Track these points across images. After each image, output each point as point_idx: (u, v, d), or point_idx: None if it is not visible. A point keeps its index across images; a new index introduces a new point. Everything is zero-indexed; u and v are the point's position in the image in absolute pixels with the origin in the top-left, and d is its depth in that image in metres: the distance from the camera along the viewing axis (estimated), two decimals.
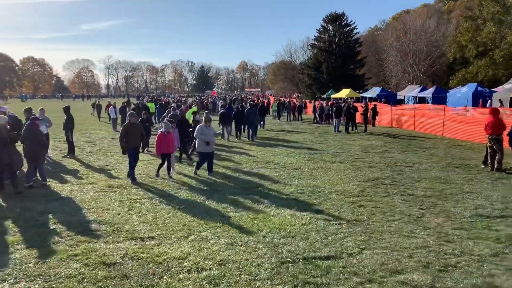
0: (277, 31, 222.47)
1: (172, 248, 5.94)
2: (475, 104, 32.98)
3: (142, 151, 11.43)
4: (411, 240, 6.27)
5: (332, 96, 59.78)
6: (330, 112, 30.93)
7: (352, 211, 7.86)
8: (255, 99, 61.84)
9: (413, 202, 8.49)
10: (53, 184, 10.13)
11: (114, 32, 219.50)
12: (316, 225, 6.97)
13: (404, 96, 49.70)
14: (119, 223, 7.10)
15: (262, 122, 25.69)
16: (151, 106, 28.62)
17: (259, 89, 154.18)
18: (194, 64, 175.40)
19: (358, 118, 25.32)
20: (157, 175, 11.03)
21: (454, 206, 8.20)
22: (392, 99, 48.16)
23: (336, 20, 70.72)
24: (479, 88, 37.16)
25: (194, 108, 18.56)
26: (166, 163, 11.06)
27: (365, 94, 55.90)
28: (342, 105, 24.88)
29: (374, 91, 55.32)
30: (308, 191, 9.47)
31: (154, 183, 10.20)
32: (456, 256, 5.68)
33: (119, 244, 6.10)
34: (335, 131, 23.45)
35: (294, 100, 45.30)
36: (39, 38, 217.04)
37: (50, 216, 7.54)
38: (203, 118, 11.40)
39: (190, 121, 17.96)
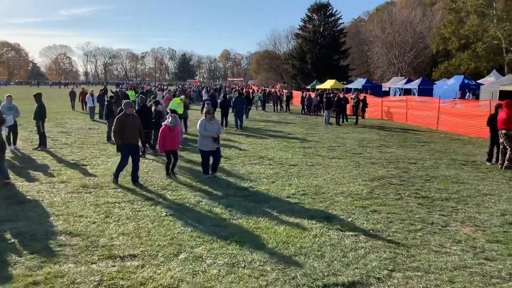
0: (261, 20, 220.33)
1: (159, 271, 4.79)
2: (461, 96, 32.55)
3: (143, 155, 9.71)
4: (445, 258, 5.29)
5: (317, 86, 59.01)
6: (320, 104, 30.08)
7: (366, 218, 6.85)
8: (238, 88, 60.60)
9: (431, 207, 7.54)
10: (18, 183, 8.79)
11: (93, 18, 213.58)
12: (329, 238, 5.93)
13: (390, 88, 49.20)
14: (93, 235, 5.89)
15: (247, 112, 25.14)
16: (131, 94, 27.06)
17: (242, 79, 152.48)
18: (175, 52, 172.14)
19: (348, 110, 24.43)
20: (168, 175, 9.55)
21: (477, 211, 7.28)
22: (377, 91, 47.65)
23: (321, 9, 69.68)
24: (466, 81, 36.76)
25: (179, 98, 17.24)
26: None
27: (350, 85, 55.15)
28: (331, 96, 23.89)
29: (359, 82, 54.68)
30: (311, 192, 8.42)
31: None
32: (505, 280, 4.73)
33: (93, 265, 4.92)
34: (325, 123, 22.49)
35: (282, 90, 44.10)
36: (15, 23, 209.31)
37: (10, 225, 6.28)
38: (204, 111, 9.63)
39: (178, 111, 16.77)
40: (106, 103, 15.68)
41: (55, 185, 8.65)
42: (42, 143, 13.17)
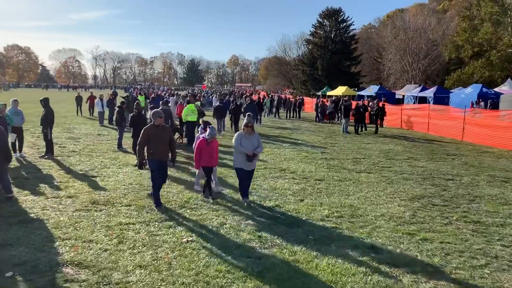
0: (269, 26, 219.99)
1: None
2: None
3: (173, 165, 8.54)
4: None
5: (328, 93, 58.17)
6: (335, 111, 29.17)
7: (417, 249, 5.92)
8: (248, 93, 59.81)
9: (487, 235, 6.59)
10: (22, 197, 7.97)
11: (103, 22, 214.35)
12: (383, 277, 5.00)
13: (403, 96, 48.20)
14: (105, 267, 5.03)
15: (259, 118, 25.57)
16: (141, 99, 26.33)
17: (250, 84, 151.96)
18: (184, 57, 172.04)
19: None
20: (206, 196, 8.32)
21: None
22: (390, 98, 46.76)
23: (333, 15, 68.94)
24: (484, 89, 35.69)
25: (193, 105, 16.40)
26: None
27: (362, 92, 54.21)
28: (348, 103, 22.94)
29: (371, 89, 53.70)
30: (347, 214, 7.50)
31: (148, 197, 8.12)
32: None
33: None
34: (343, 132, 21.55)
35: (294, 97, 43.11)
36: (25, 26, 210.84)
37: (10, 251, 5.44)
38: (244, 123, 8.02)
39: (188, 119, 15.94)
40: (117, 108, 14.89)
41: (62, 201, 7.82)
42: (49, 151, 12.38)
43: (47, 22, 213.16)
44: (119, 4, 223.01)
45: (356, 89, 60.14)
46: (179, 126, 17.32)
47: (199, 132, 9.30)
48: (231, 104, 21.54)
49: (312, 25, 70.66)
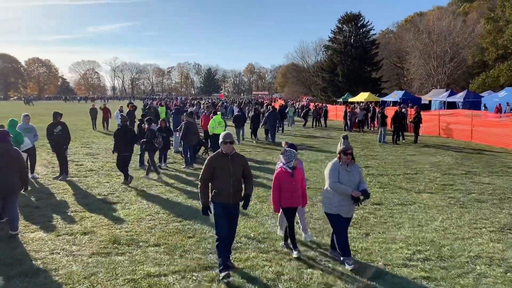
0: (285, 33, 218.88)
1: None
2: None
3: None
4: None
5: (349, 99, 56.50)
6: (365, 119, 27.48)
7: None
8: (266, 102, 58.45)
9: None
10: (27, 234, 6.62)
11: (120, 34, 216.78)
12: None
13: (430, 101, 46.16)
14: None
15: (282, 127, 25.24)
16: (162, 110, 25.13)
17: (267, 92, 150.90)
18: (201, 66, 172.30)
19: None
20: (287, 245, 6.15)
21: None
22: (416, 104, 44.85)
23: (352, 20, 67.34)
24: None
25: (219, 115, 15.00)
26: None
27: (386, 98, 52.32)
28: (383, 111, 21.21)
29: (396, 95, 51.73)
30: (432, 254, 5.89)
31: (179, 232, 6.66)
32: None
33: None
34: (380, 142, 19.84)
35: (318, 104, 41.44)
36: (45, 40, 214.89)
37: None
38: (339, 148, 5.77)
39: (215, 131, 14.55)
40: (137, 121, 13.60)
41: (76, 239, 6.42)
42: (64, 171, 11.09)
43: (67, 35, 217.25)
44: (136, 17, 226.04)
45: (377, 94, 58.25)
46: (204, 139, 15.95)
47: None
48: (250, 112, 21.27)
49: (331, 30, 69.11)
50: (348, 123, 26.94)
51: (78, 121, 30.81)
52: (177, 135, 15.31)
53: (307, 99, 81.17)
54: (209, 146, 15.45)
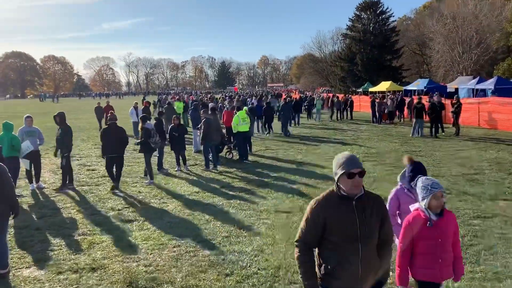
0: (298, 23, 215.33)
1: None
2: None
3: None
4: None
5: (370, 89, 54.48)
6: (396, 110, 25.61)
7: None
8: (283, 94, 56.63)
9: None
10: (20, 272, 5.22)
11: (134, 30, 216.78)
12: None
13: (456, 89, 43.81)
14: None
15: (297, 119, 24.45)
16: (179, 106, 23.77)
17: (282, 84, 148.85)
18: (215, 59, 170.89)
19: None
20: None
21: None
22: (442, 92, 42.78)
23: (371, 7, 64.79)
24: None
25: (244, 111, 13.45)
26: None
27: (409, 87, 50.08)
28: (419, 103, 19.33)
29: (419, 83, 49.47)
30: None
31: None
32: None
33: None
34: (418, 135, 18.06)
35: (343, 95, 39.47)
36: (61, 38, 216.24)
37: None
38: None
39: (240, 129, 13.06)
40: (154, 120, 12.16)
41: (82, 277, 5.00)
42: (68, 180, 9.68)
43: (81, 32, 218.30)
44: (149, 12, 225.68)
45: (398, 83, 55.92)
46: (227, 138, 14.46)
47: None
48: (263, 105, 20.38)
49: (349, 18, 66.70)
50: (377, 114, 25.12)
51: (92, 118, 29.65)
52: (198, 133, 13.87)
53: (324, 89, 79.03)
54: (232, 145, 13.96)
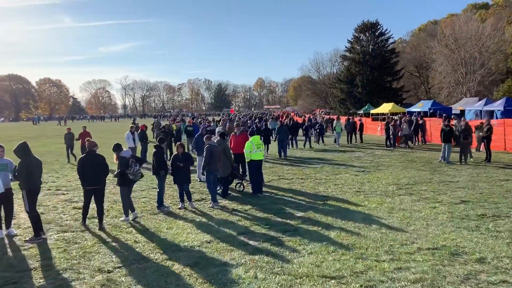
0: (294, 47, 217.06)
1: None
2: None
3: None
4: None
5: (372, 111, 53.29)
6: (412, 133, 23.95)
7: None
8: (281, 116, 55.14)
9: None
10: None
11: (131, 53, 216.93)
12: None
13: (461, 110, 42.57)
14: None
15: (295, 141, 24.37)
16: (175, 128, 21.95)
17: (279, 106, 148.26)
18: (211, 82, 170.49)
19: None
20: None
21: None
22: (447, 114, 41.61)
23: (370, 29, 64.47)
24: None
25: (258, 137, 11.63)
26: None
27: (412, 109, 48.86)
28: (447, 123, 17.63)
29: (422, 104, 48.28)
30: None
31: None
32: None
33: None
34: (445, 162, 16.30)
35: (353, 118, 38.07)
36: (58, 62, 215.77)
37: None
38: None
39: (253, 157, 11.24)
40: (154, 148, 10.28)
41: None
42: (37, 229, 7.71)
43: (78, 56, 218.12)
44: (146, 36, 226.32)
45: (399, 105, 54.70)
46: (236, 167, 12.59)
47: None
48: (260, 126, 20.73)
49: (348, 40, 66.23)
50: (391, 137, 23.41)
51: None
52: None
53: (322, 111, 77.79)
54: (245, 176, 12.12)
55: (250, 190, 11.47)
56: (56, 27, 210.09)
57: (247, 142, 11.28)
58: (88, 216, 8.58)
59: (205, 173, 10.61)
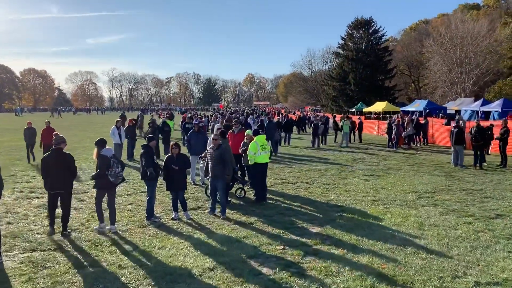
0: (285, 42, 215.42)
1: None
2: None
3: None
4: None
5: (364, 109, 52.47)
6: (415, 134, 22.84)
7: None
8: (272, 112, 53.82)
9: None
10: None
11: (119, 46, 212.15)
12: None
13: (457, 111, 41.93)
14: None
15: (288, 138, 24.04)
16: (172, 125, 20.39)
17: (269, 102, 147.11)
18: (200, 76, 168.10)
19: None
20: None
21: None
22: (445, 114, 40.88)
23: (364, 26, 63.47)
24: None
25: (263, 137, 10.24)
26: None
27: (407, 108, 48.02)
28: (460, 124, 16.46)
29: (418, 104, 47.50)
30: None
31: None
32: None
33: None
34: (458, 166, 15.15)
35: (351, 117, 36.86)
36: (44, 52, 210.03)
37: None
38: None
39: (258, 160, 9.86)
40: (142, 149, 8.77)
41: None
42: None
43: (65, 47, 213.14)
44: (135, 28, 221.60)
45: (392, 103, 53.84)
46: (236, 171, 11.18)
47: None
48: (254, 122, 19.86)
49: (341, 37, 65.16)
50: (394, 138, 22.22)
51: (71, 136, 25.98)
52: (201, 164, 10.58)
53: (313, 109, 76.74)
54: (247, 181, 10.73)
55: (252, 196, 10.11)
56: (43, 17, 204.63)
57: (251, 142, 9.86)
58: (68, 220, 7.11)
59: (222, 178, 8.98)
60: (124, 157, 16.63)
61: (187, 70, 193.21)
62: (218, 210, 8.78)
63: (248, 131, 11.18)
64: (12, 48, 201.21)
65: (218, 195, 8.78)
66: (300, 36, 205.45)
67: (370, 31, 64.27)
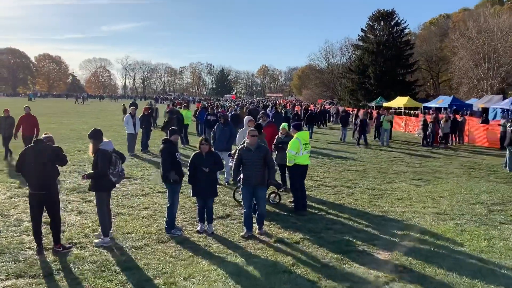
0: (300, 34, 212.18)
1: None
2: None
3: None
4: None
5: (384, 104, 50.25)
6: (451, 131, 20.93)
7: None
8: (287, 104, 51.97)
9: None
10: None
11: (133, 34, 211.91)
12: None
13: (481, 108, 39.83)
14: None
15: (311, 132, 22.17)
16: (187, 115, 18.77)
17: (281, 95, 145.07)
18: (213, 66, 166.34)
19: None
20: None
21: None
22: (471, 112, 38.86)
23: (385, 18, 60.82)
24: None
25: (307, 133, 8.59)
26: None
27: (430, 104, 45.85)
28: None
29: (442, 100, 45.26)
30: None
31: None
32: None
33: None
34: (506, 168, 13.32)
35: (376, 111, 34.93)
36: (59, 39, 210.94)
37: None
38: None
39: (299, 161, 8.17)
40: (162, 143, 7.13)
41: None
42: None
43: (80, 34, 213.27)
44: (150, 17, 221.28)
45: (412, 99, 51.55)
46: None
47: None
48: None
49: (361, 29, 62.56)
50: (429, 136, 20.35)
51: (81, 124, 24.70)
52: (230, 163, 8.89)
53: (327, 102, 74.42)
54: (283, 185, 9.08)
55: (289, 204, 8.48)
56: (59, 3, 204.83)
57: (292, 140, 8.14)
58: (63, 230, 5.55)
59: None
60: (138, 148, 15.14)
61: (200, 60, 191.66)
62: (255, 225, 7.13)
63: (284, 125, 9.51)
64: (27, 34, 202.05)
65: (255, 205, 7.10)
66: (316, 28, 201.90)
67: (392, 23, 61.67)
